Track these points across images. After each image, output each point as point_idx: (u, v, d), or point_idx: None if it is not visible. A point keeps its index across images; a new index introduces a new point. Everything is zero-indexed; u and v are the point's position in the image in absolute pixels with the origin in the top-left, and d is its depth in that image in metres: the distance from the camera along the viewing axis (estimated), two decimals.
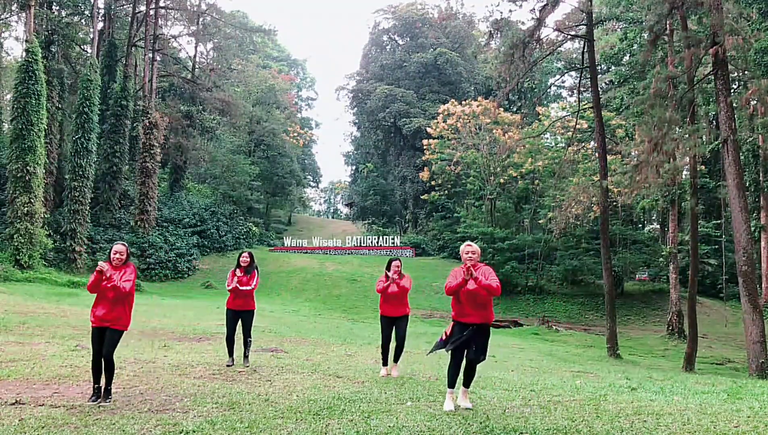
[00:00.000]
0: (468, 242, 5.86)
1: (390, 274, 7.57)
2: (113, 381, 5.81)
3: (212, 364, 8.16)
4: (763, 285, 29.24)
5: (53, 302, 20.37)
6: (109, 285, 5.68)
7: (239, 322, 8.10)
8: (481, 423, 5.09)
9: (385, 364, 7.83)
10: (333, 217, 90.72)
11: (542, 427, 5.01)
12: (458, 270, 5.73)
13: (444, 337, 5.77)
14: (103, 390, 5.69)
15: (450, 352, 5.69)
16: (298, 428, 4.84)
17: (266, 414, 5.29)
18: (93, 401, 5.56)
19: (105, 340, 5.72)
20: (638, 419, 5.39)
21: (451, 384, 5.70)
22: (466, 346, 5.63)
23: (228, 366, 7.93)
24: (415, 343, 13.16)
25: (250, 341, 8.29)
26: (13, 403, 5.41)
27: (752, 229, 27.28)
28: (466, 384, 5.82)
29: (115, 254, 5.80)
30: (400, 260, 7.81)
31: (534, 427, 5.00)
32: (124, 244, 5.94)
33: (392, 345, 7.79)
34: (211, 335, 12.58)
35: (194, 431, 4.71)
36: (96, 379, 5.70)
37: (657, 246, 37.72)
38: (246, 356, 8.22)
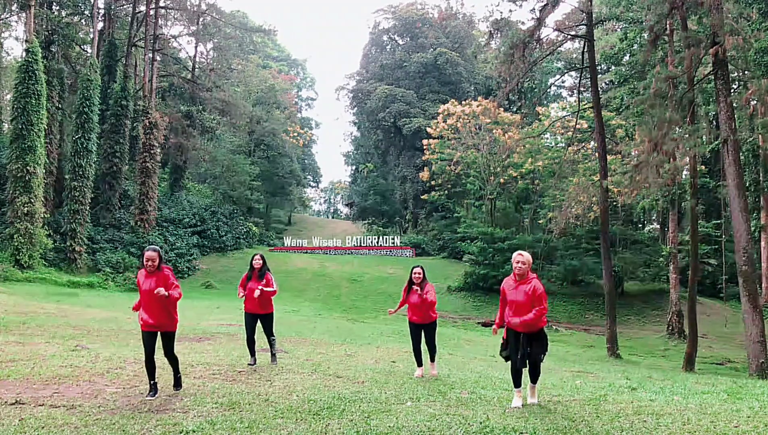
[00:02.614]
0: (519, 251, 5.91)
1: (415, 288, 7.58)
2: (179, 369, 6.28)
3: (212, 364, 8.16)
4: (763, 285, 29.23)
5: (53, 302, 20.37)
6: (171, 299, 5.87)
7: (257, 325, 8.18)
8: (481, 423, 5.10)
9: (419, 365, 7.94)
10: (333, 217, 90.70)
11: (542, 427, 5.01)
12: (509, 280, 5.89)
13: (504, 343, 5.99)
14: (173, 380, 6.20)
15: (504, 357, 5.99)
16: (298, 428, 4.84)
17: (266, 414, 5.29)
18: (152, 396, 5.85)
19: (163, 344, 6.03)
20: (638, 419, 5.40)
21: (516, 384, 5.89)
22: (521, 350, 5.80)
23: (250, 365, 7.98)
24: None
25: (274, 340, 8.34)
26: (13, 403, 5.41)
27: (752, 229, 27.28)
28: (533, 380, 5.97)
29: (147, 262, 5.88)
30: (421, 267, 7.80)
31: (534, 427, 5.00)
32: (155, 250, 5.97)
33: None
34: (211, 335, 12.57)
35: (194, 431, 4.72)
36: (151, 376, 5.99)
37: (657, 246, 37.69)
38: (273, 354, 8.32)
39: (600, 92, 25.23)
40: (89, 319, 15.16)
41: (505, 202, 41.51)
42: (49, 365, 7.39)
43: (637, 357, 20.63)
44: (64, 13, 37.56)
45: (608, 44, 34.75)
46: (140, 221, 35.27)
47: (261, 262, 8.09)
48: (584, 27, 22.13)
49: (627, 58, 34.96)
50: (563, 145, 38.52)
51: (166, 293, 5.72)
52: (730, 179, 15.04)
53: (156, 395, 5.87)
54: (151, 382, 5.97)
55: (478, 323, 28.85)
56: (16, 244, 27.12)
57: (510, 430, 4.89)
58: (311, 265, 39.18)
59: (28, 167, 27.75)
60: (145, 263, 5.90)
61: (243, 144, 51.96)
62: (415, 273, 7.69)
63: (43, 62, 29.21)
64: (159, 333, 5.98)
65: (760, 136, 25.08)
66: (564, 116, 38.35)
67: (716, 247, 33.81)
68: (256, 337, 8.23)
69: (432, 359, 7.96)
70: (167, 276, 5.89)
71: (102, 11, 38.99)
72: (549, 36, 23.37)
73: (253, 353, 8.20)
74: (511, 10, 68.92)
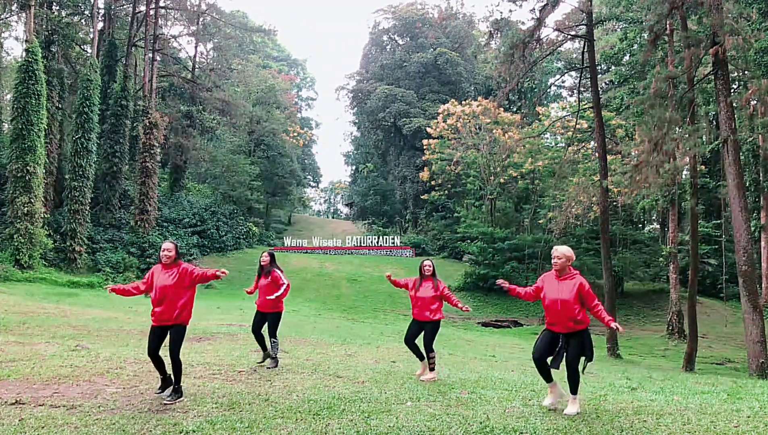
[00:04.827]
0: (556, 247, 5.70)
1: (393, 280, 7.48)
2: (181, 377, 5.97)
3: (212, 364, 8.15)
4: (763, 285, 29.23)
5: (53, 302, 20.36)
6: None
7: (265, 322, 8.16)
8: (481, 423, 5.09)
9: (421, 359, 7.65)
10: (333, 217, 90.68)
11: (542, 427, 5.01)
12: (548, 275, 5.69)
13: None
14: (172, 387, 5.82)
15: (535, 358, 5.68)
16: (298, 428, 4.84)
17: (266, 414, 5.29)
18: (160, 392, 5.81)
19: (170, 340, 5.79)
20: (638, 419, 5.40)
21: (548, 379, 5.70)
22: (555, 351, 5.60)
23: (259, 363, 7.97)
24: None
25: (276, 342, 8.15)
26: (13, 403, 5.41)
27: (752, 229, 27.28)
28: (572, 391, 5.63)
29: (164, 252, 5.85)
30: (431, 262, 7.62)
31: (534, 427, 5.00)
32: (173, 242, 5.97)
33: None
34: (211, 335, 12.57)
35: (194, 431, 4.72)
36: (162, 371, 5.87)
37: (657, 246, 37.71)
38: (273, 358, 8.13)
39: (600, 92, 25.24)
40: (89, 319, 15.16)
41: (505, 202, 41.52)
42: (49, 365, 7.39)
43: (637, 357, 20.63)
44: (64, 13, 37.55)
45: (608, 44, 34.77)
46: (140, 221, 35.26)
47: (268, 259, 8.10)
48: (584, 27, 22.15)
49: (627, 58, 34.98)
50: (563, 145, 38.54)
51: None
52: (730, 179, 15.04)
53: (171, 390, 5.75)
54: (161, 377, 5.84)
55: (478, 323, 28.87)
56: (16, 244, 27.11)
57: (510, 430, 4.89)
58: (311, 264, 39.18)
59: (28, 167, 27.74)
60: (161, 254, 5.84)
61: (243, 144, 51.96)
62: (425, 265, 7.53)
63: (43, 62, 29.20)
64: (170, 328, 5.78)
65: (760, 136, 25.09)
66: (564, 116, 38.36)
67: (716, 247, 33.83)
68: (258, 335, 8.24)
69: (425, 362, 7.60)
70: (185, 269, 5.84)
71: (102, 11, 38.99)
72: (549, 36, 23.40)
73: (264, 347, 8.17)
74: (511, 10, 68.85)
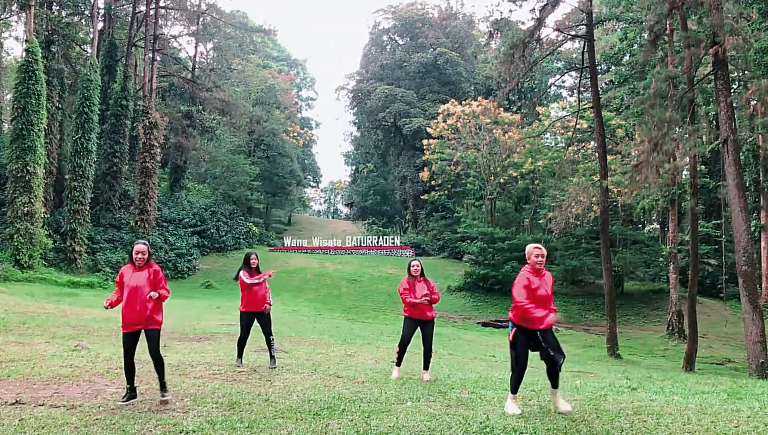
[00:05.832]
0: (537, 245, 5.81)
1: (418, 298, 7.44)
2: (165, 373, 5.91)
3: (212, 364, 8.16)
4: (763, 285, 29.21)
5: (53, 302, 20.36)
6: (161, 298, 5.76)
7: (254, 325, 8.11)
8: (481, 423, 5.09)
9: (398, 365, 7.71)
10: (333, 217, 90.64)
11: (542, 427, 5.01)
12: (531, 275, 5.73)
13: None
14: (159, 384, 5.83)
15: (518, 358, 5.67)
16: (298, 428, 4.84)
17: (266, 414, 5.29)
18: (125, 401, 5.65)
19: (148, 345, 5.78)
20: (638, 419, 5.40)
21: (515, 390, 5.68)
22: (538, 349, 5.66)
23: (238, 367, 7.96)
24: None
25: (273, 339, 8.22)
26: (13, 403, 5.41)
27: (752, 229, 27.25)
28: (555, 385, 5.71)
29: (137, 254, 5.82)
30: (419, 261, 7.76)
31: (534, 427, 5.00)
32: (145, 243, 5.93)
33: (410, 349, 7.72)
34: (211, 335, 12.57)
35: (194, 431, 4.72)
36: (130, 380, 5.77)
37: (657, 246, 37.68)
38: (272, 356, 8.17)
39: (600, 92, 25.23)
40: (89, 319, 15.16)
41: (505, 202, 41.50)
42: (49, 365, 7.39)
43: (637, 357, 20.63)
44: (64, 13, 37.54)
45: (608, 44, 34.76)
46: (140, 221, 35.25)
47: (257, 261, 8.21)
48: (584, 27, 22.15)
49: (627, 58, 34.98)
50: (563, 145, 38.53)
51: (157, 294, 5.64)
52: (730, 179, 15.04)
53: (134, 400, 5.67)
54: (128, 386, 5.74)
55: (478, 323, 28.85)
56: (16, 244, 27.10)
57: (510, 430, 4.89)
58: (311, 265, 39.17)
59: (28, 167, 27.73)
60: (134, 256, 5.78)
61: (243, 144, 51.93)
62: (413, 266, 7.62)
63: (43, 62, 29.19)
64: (143, 332, 5.74)
65: (760, 136, 25.09)
66: (564, 116, 38.35)
67: (716, 247, 33.81)
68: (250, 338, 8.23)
69: (426, 365, 7.63)
70: (157, 271, 5.81)
71: (102, 11, 38.99)
72: (549, 36, 23.40)
73: (241, 355, 8.21)
74: (511, 10, 68.96)
